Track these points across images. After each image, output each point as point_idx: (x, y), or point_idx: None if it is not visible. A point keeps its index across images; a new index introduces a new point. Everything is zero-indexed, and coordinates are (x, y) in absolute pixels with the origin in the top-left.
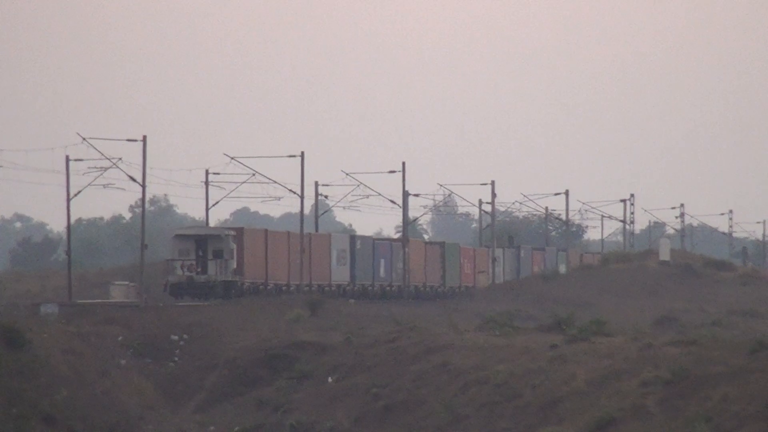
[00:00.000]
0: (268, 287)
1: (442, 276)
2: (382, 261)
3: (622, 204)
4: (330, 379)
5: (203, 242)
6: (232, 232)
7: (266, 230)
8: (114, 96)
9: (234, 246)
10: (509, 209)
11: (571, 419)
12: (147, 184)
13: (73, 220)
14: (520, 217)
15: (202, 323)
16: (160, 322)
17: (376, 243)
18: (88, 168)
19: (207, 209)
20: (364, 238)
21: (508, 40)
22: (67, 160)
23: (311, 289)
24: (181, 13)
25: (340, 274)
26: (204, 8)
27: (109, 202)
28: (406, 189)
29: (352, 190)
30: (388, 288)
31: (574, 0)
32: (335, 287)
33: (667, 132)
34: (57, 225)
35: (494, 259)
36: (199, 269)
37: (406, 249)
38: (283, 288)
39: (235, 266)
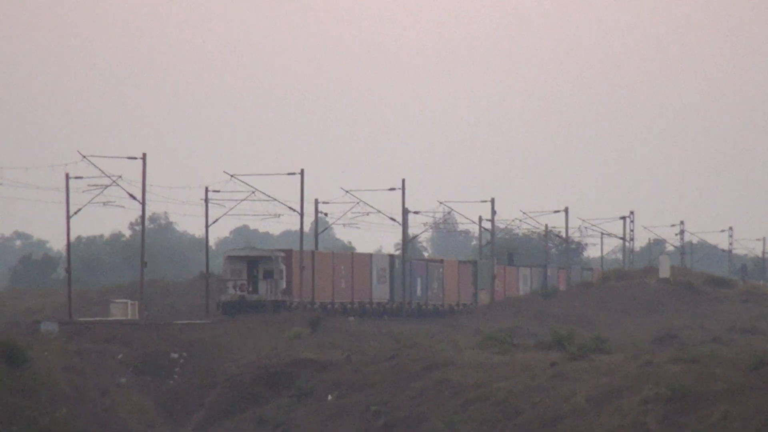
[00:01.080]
0: (315, 306)
1: (474, 294)
2: (419, 280)
3: (621, 221)
4: (330, 397)
5: (254, 263)
6: (282, 254)
7: (313, 251)
8: (114, 114)
9: (283, 267)
10: (509, 226)
11: None
12: (147, 201)
13: (73, 237)
14: (520, 234)
15: (202, 341)
16: (160, 339)
17: (413, 263)
18: (88, 186)
19: (207, 227)
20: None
21: (508, 57)
22: (67, 177)
23: (353, 306)
24: (181, 31)
25: (381, 293)
26: (203, 25)
27: (108, 219)
28: (406, 206)
29: (351, 208)
30: (423, 306)
31: (573, 18)
32: (376, 305)
33: (666, 149)
34: (57, 243)
35: (494, 277)
36: (250, 289)
37: (441, 269)
38: (328, 306)
39: (284, 286)
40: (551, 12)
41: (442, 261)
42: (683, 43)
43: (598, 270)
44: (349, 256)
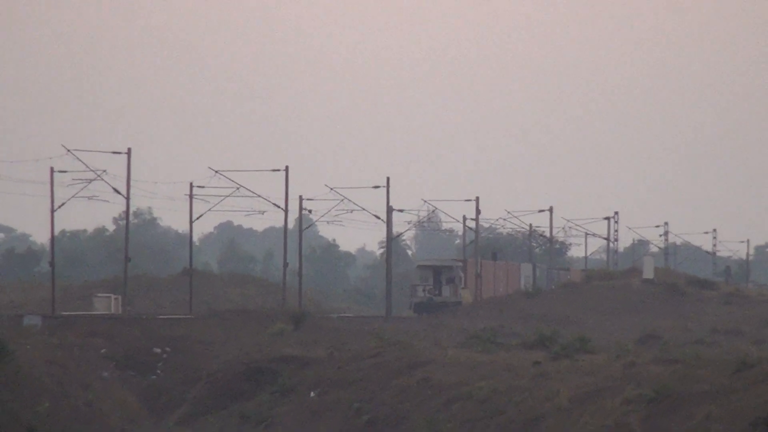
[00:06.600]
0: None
1: None
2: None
3: (606, 222)
4: (313, 394)
5: (439, 271)
6: (460, 263)
7: (480, 261)
8: (99, 108)
9: (462, 274)
10: (493, 226)
11: None
12: (131, 196)
13: (57, 231)
14: (504, 233)
15: (185, 336)
16: (143, 334)
17: (549, 271)
18: (73, 180)
19: (191, 222)
20: (541, 266)
21: (493, 57)
22: (52, 171)
23: None
24: (167, 27)
25: None
26: (189, 22)
27: (93, 214)
28: (391, 204)
29: (336, 205)
30: None
31: (558, 22)
32: None
33: (651, 150)
34: (40, 236)
35: (479, 275)
36: (436, 292)
37: (568, 276)
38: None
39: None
40: (539, 15)
41: (569, 269)
42: (670, 44)
43: (575, 270)
44: (504, 266)
